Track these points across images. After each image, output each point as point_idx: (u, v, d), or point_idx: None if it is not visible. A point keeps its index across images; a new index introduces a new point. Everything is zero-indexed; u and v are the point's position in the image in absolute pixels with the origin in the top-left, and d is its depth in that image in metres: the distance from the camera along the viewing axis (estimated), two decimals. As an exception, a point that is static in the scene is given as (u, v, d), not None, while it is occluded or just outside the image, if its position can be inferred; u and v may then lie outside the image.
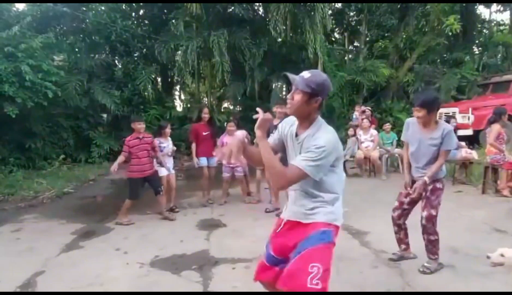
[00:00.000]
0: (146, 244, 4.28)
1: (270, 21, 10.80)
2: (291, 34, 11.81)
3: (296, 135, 2.00)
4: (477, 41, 16.11)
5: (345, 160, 8.03)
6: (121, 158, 5.11)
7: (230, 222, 5.06)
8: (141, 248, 4.14)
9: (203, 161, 5.98)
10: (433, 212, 3.18)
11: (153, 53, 11.53)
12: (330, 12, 12.97)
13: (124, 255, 3.97)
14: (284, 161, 1.96)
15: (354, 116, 10.16)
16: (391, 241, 3.59)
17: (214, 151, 5.98)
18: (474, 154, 7.00)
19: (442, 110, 9.55)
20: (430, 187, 3.18)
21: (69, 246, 4.31)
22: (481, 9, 16.94)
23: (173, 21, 11.50)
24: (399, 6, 13.82)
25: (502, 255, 2.42)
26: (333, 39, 15.98)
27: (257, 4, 12.47)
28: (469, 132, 9.86)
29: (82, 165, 10.07)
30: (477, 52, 15.93)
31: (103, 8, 11.65)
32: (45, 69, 7.85)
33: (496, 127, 5.81)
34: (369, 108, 10.02)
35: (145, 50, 12.44)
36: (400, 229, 3.46)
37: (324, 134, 1.88)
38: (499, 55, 16.06)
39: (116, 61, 12.66)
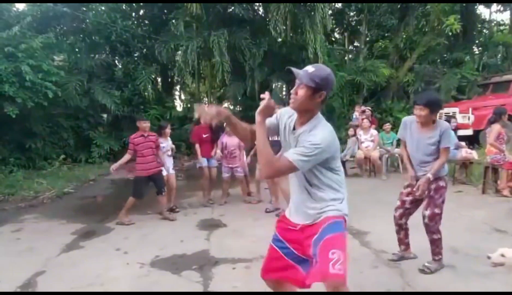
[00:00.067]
0: (147, 244, 4.28)
1: (270, 21, 10.79)
2: (291, 34, 11.81)
3: (294, 128, 1.98)
4: (477, 41, 16.12)
5: (345, 160, 8.04)
6: (126, 157, 5.11)
7: (231, 222, 5.06)
8: (142, 248, 4.14)
9: (203, 162, 5.99)
10: (437, 211, 3.18)
11: (153, 53, 11.54)
12: (330, 12, 12.98)
13: (125, 255, 3.97)
14: (272, 146, 1.94)
15: (354, 116, 10.16)
16: (391, 241, 3.59)
17: (213, 152, 6.01)
18: (474, 154, 7.00)
19: (442, 110, 9.55)
20: (433, 186, 3.17)
21: (70, 246, 4.32)
22: (481, 9, 16.98)
23: (173, 21, 11.50)
24: (399, 6, 13.82)
25: (502, 255, 2.42)
26: (333, 39, 15.98)
27: (257, 4, 12.46)
28: (469, 132, 9.86)
29: (82, 165, 10.08)
30: (477, 52, 15.94)
31: (103, 8, 11.65)
32: (45, 69, 7.86)
33: (496, 127, 5.81)
34: (369, 108, 10.02)
35: (145, 50, 12.44)
36: (401, 229, 3.45)
37: (321, 131, 1.86)
38: (499, 55, 16.07)
39: (116, 61, 12.67)
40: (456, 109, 10.35)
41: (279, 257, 2.08)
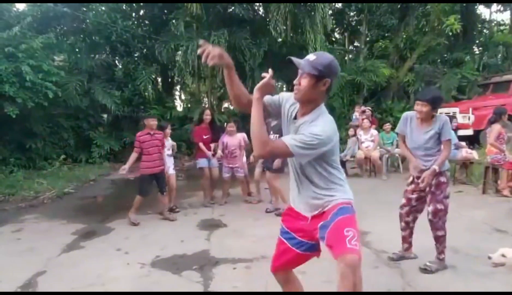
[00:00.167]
0: (147, 244, 4.29)
1: (271, 21, 10.79)
2: (291, 34, 11.79)
3: (295, 118, 1.95)
4: (477, 41, 16.12)
5: (345, 160, 8.04)
6: (133, 155, 5.11)
7: (231, 222, 5.06)
8: (142, 248, 4.14)
9: (204, 162, 5.98)
10: (439, 206, 3.18)
11: (154, 53, 11.53)
12: (330, 12, 12.97)
13: (125, 255, 3.97)
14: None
15: (354, 116, 10.16)
16: (392, 241, 3.59)
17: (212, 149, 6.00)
18: (474, 154, 7.00)
19: (442, 110, 9.54)
20: (434, 182, 3.17)
21: (70, 246, 4.32)
22: (481, 9, 16.99)
23: (174, 21, 11.49)
24: (399, 6, 13.83)
25: (503, 255, 2.42)
26: (334, 39, 15.97)
27: (257, 4, 12.45)
28: (469, 132, 9.87)
29: (82, 165, 10.08)
30: (477, 52, 15.94)
31: (103, 8, 11.64)
32: (45, 69, 7.85)
33: (496, 127, 5.82)
34: (370, 108, 10.02)
35: (145, 50, 12.43)
36: (408, 226, 3.45)
37: (323, 122, 1.83)
38: (499, 55, 16.08)
39: (117, 62, 12.66)
40: (457, 109, 10.35)
41: (288, 248, 2.09)
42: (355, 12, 15.45)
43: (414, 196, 3.36)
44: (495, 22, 18.18)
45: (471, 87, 13.11)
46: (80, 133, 10.82)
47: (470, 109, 10.18)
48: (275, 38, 11.66)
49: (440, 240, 3.24)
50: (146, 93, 11.05)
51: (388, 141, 8.33)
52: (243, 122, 7.26)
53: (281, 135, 2.05)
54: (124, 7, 12.43)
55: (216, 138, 6.11)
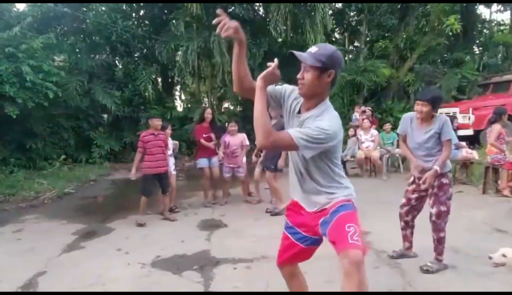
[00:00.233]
0: (147, 244, 4.29)
1: (271, 21, 10.80)
2: (291, 34, 11.80)
3: (299, 112, 1.92)
4: (477, 41, 16.12)
5: (345, 160, 8.04)
6: (138, 156, 5.13)
7: (231, 222, 5.06)
8: (142, 248, 4.14)
9: (204, 162, 5.98)
10: (443, 208, 3.19)
11: (154, 54, 11.54)
12: (330, 12, 12.98)
13: (125, 255, 3.97)
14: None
15: (354, 116, 10.16)
16: (392, 241, 3.59)
17: (213, 152, 6.00)
18: (474, 154, 7.00)
19: (442, 110, 9.55)
20: (436, 183, 3.17)
21: (70, 246, 4.32)
22: (481, 9, 17.00)
23: (174, 21, 11.50)
24: (399, 6, 13.83)
25: (504, 255, 2.42)
26: (334, 39, 15.96)
27: (258, 4, 12.46)
28: (469, 132, 9.86)
29: (82, 165, 10.09)
30: (477, 52, 15.94)
31: (103, 8, 11.64)
32: (45, 69, 7.86)
33: (496, 127, 5.82)
34: (370, 108, 10.03)
35: (145, 50, 12.44)
36: (407, 225, 3.46)
37: (328, 117, 1.80)
38: (500, 55, 16.08)
39: (117, 62, 12.67)
40: (457, 109, 10.34)
41: (292, 243, 2.10)
42: (355, 12, 15.46)
43: (415, 196, 3.36)
44: (495, 22, 18.20)
45: (471, 87, 13.11)
46: (80, 133, 10.82)
47: (470, 109, 10.17)
48: (275, 38, 11.67)
49: (441, 241, 3.25)
50: (146, 94, 11.05)
51: (388, 141, 8.34)
52: (243, 122, 7.28)
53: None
54: (124, 7, 12.43)
55: (217, 137, 6.11)
